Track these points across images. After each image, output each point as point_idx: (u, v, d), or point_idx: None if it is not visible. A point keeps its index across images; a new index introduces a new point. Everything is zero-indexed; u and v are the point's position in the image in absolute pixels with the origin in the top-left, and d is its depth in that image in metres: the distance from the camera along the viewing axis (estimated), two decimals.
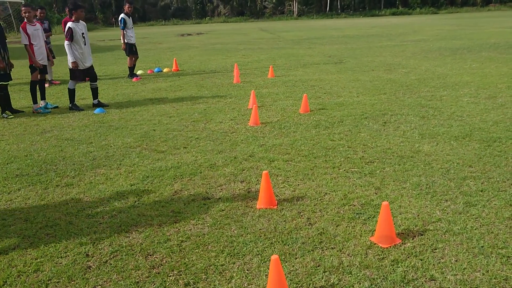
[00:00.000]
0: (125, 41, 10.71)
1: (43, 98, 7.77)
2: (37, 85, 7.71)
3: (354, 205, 3.56)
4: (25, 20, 7.45)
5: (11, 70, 7.26)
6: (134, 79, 10.78)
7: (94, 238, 3.20)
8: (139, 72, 12.02)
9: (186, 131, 5.96)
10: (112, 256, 2.95)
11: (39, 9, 9.94)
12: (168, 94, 8.75)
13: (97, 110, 7.35)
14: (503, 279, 2.54)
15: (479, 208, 3.41)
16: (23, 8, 7.50)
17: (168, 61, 14.28)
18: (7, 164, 4.91)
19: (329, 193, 3.81)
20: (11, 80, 7.53)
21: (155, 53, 17.97)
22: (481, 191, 3.71)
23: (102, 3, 70.74)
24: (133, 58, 10.98)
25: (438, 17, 48.15)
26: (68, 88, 7.62)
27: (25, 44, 7.45)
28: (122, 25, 10.57)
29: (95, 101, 7.82)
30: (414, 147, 4.93)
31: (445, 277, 2.58)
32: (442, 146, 4.92)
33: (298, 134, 5.62)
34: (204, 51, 18.30)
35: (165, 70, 12.42)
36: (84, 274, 2.76)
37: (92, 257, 2.95)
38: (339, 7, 74.62)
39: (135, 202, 3.80)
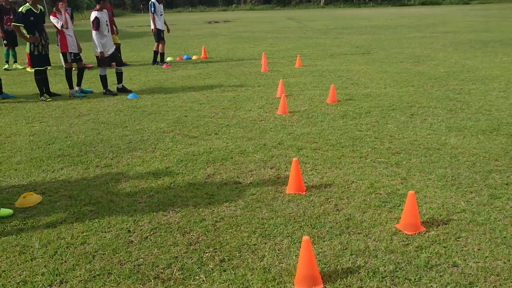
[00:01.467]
0: (156, 25, 10.97)
1: (78, 84, 8.05)
2: (75, 72, 7.96)
3: (381, 194, 3.69)
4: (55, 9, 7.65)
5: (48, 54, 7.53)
6: (164, 66, 11.02)
7: (134, 215, 3.43)
8: (168, 59, 12.26)
9: (216, 118, 6.15)
10: (152, 232, 3.18)
11: None
12: (198, 82, 8.96)
13: (130, 96, 7.61)
14: None
15: (504, 200, 3.50)
16: (59, 2, 7.64)
17: (196, 49, 14.47)
18: (49, 144, 5.20)
19: (356, 182, 3.95)
20: (49, 65, 7.83)
21: (183, 40, 18.20)
22: (506, 184, 3.79)
23: None
24: (161, 44, 11.23)
25: (469, 8, 46.90)
26: (100, 75, 7.90)
27: (60, 27, 7.55)
28: (152, 9, 10.82)
29: (119, 86, 8.09)
30: (440, 139, 5.00)
31: (467, 264, 2.71)
32: (469, 139, 4.98)
33: (325, 123, 5.75)
34: (231, 39, 18.43)
35: (194, 57, 12.63)
36: (127, 248, 2.99)
37: (134, 232, 3.18)
38: None
39: (171, 184, 4.01)
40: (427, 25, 22.96)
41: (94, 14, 7.50)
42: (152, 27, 11.07)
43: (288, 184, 3.82)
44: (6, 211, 3.48)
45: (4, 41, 11.11)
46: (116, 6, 59.27)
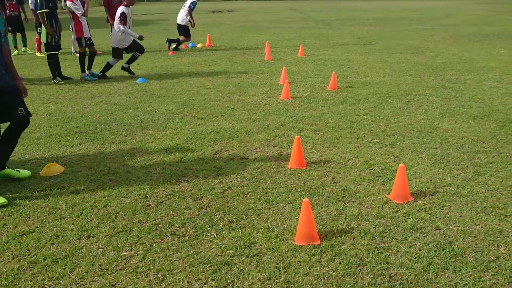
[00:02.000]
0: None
1: (89, 68, 8.35)
2: (86, 57, 8.28)
3: (375, 170, 4.03)
4: None
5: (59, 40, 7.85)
6: (170, 53, 11.31)
7: (150, 184, 3.77)
8: (174, 47, 12.53)
9: (222, 102, 6.47)
10: (167, 198, 3.52)
11: None
12: (204, 68, 9.26)
13: (139, 80, 7.92)
14: (498, 231, 3.00)
15: (487, 177, 3.84)
16: None
17: (201, 37, 14.74)
18: (66, 123, 5.53)
19: (352, 159, 4.29)
20: (61, 49, 8.14)
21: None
22: (491, 163, 4.13)
23: None
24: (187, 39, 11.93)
25: (474, 2, 46.92)
26: (108, 62, 8.22)
27: (80, 15, 7.87)
28: (193, 6, 11.69)
29: (125, 65, 8.46)
30: (433, 124, 5.33)
31: (449, 227, 3.05)
32: (460, 124, 5.31)
33: (326, 108, 6.07)
34: (235, 28, 18.67)
35: (199, 45, 12.92)
36: (145, 210, 3.33)
37: (150, 198, 3.53)
38: None
39: (182, 158, 4.35)
40: (429, 18, 23.16)
41: (121, 9, 7.87)
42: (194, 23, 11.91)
43: (290, 160, 4.16)
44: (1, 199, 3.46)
45: (9, 27, 11.34)
46: None
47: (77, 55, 11.03)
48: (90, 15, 10.51)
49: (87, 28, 7.99)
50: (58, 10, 7.84)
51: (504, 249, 2.79)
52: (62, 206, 3.40)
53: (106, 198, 3.53)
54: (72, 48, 11.19)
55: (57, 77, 7.92)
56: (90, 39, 8.03)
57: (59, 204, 3.44)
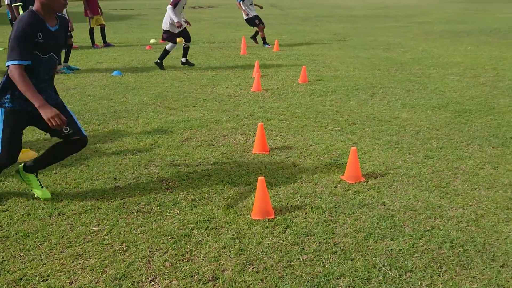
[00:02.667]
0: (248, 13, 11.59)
1: (66, 61, 8.46)
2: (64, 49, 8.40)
3: (333, 154, 4.31)
4: None
5: None
6: (147, 47, 11.44)
7: (119, 168, 3.98)
8: (152, 41, 12.67)
9: (195, 93, 6.69)
10: (134, 180, 3.74)
11: None
12: (179, 62, 9.43)
13: (114, 73, 8.07)
14: (438, 206, 3.29)
15: (435, 160, 4.15)
16: None
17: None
18: None
19: (313, 145, 4.56)
20: None
21: None
22: (441, 148, 4.44)
23: None
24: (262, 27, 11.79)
25: (450, 0, 47.92)
26: (165, 49, 8.51)
27: None
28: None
29: (183, 60, 8.84)
30: (394, 114, 5.64)
31: (393, 203, 3.34)
32: (419, 114, 5.62)
33: (294, 99, 6.33)
34: (214, 24, 18.83)
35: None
36: (114, 190, 3.54)
37: (119, 180, 3.74)
38: None
39: (152, 145, 4.56)
40: (405, 15, 23.66)
41: None
42: (245, 16, 11.65)
43: (254, 145, 4.41)
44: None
45: None
46: None
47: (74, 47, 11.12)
48: (68, 9, 10.57)
49: (70, 22, 8.17)
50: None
51: (440, 221, 3.09)
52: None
53: (77, 181, 3.72)
54: None
55: None
56: (69, 32, 8.18)
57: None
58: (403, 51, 10.80)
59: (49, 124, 2.92)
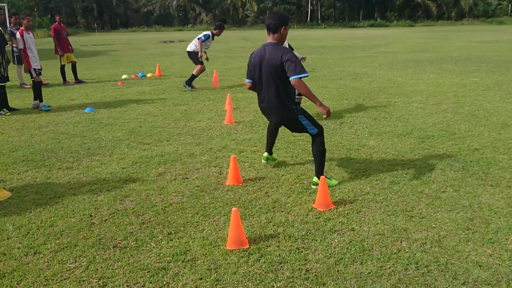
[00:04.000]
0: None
1: (41, 100, 8.47)
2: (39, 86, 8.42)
3: (304, 183, 4.47)
4: (23, 28, 8.22)
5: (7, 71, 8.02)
6: (119, 83, 11.54)
7: (95, 204, 4.02)
8: (123, 77, 12.79)
9: (168, 128, 6.80)
10: (110, 216, 3.79)
11: (27, 17, 10.28)
12: (152, 97, 9.57)
13: (87, 109, 8.13)
14: (403, 230, 3.47)
15: (401, 185, 4.36)
16: (27, 17, 8.29)
17: (152, 67, 15.06)
18: (13, 152, 5.67)
19: (285, 175, 4.71)
20: (9, 81, 8.27)
21: (138, 59, 18.73)
22: (406, 174, 4.66)
23: (84, 8, 70.99)
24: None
25: (414, 30, 50.02)
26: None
27: (20, 49, 8.21)
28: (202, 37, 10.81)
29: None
30: (362, 142, 5.88)
31: (362, 228, 3.49)
32: (385, 141, 5.88)
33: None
34: (186, 57, 18.95)
35: (148, 75, 13.22)
36: (90, 228, 3.58)
37: (95, 216, 3.78)
38: (319, 17, 76.49)
39: (126, 180, 4.63)
40: (371, 45, 24.60)
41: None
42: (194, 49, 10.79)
43: (227, 177, 4.53)
44: None
45: None
46: (70, 25, 58.74)
47: (26, 86, 11.09)
48: (39, 46, 10.64)
49: (37, 59, 8.29)
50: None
51: (406, 244, 3.25)
52: (9, 227, 3.59)
53: (52, 219, 3.75)
54: (19, 79, 11.23)
55: (4, 109, 7.99)
56: (40, 69, 8.28)
57: (6, 226, 3.62)
58: (370, 81, 11.24)
59: None
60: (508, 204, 3.91)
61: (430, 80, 11.12)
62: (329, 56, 18.73)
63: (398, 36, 34.93)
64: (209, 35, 10.76)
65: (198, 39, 10.87)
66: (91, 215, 3.81)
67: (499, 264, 2.98)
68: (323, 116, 4.09)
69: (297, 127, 4.38)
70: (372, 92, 9.63)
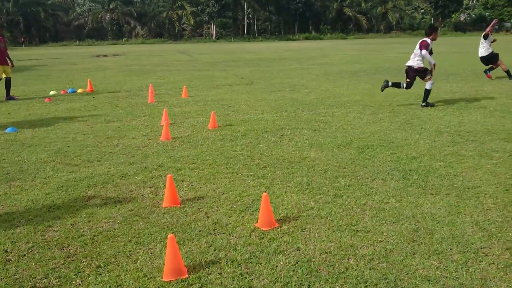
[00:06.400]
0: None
1: None
2: None
3: (245, 201, 4.24)
4: None
5: None
6: (46, 100, 10.81)
7: (12, 237, 3.56)
8: (51, 93, 12.02)
9: (100, 147, 6.34)
10: (29, 250, 3.35)
11: None
12: (83, 114, 9.00)
13: (8, 130, 7.45)
14: (350, 246, 3.33)
15: (344, 198, 4.25)
16: None
17: (83, 82, 14.32)
18: None
19: (226, 193, 4.47)
20: None
21: (68, 74, 17.81)
22: (348, 186, 4.58)
23: (9, 21, 67.17)
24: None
25: (346, 42, 51.93)
26: (426, 89, 8.87)
27: None
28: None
29: (423, 104, 9.02)
30: (303, 154, 5.77)
31: (308, 247, 3.32)
32: (326, 153, 5.81)
33: (205, 146, 6.26)
34: (120, 72, 18.45)
35: (79, 90, 12.52)
36: (5, 266, 3.14)
37: (11, 252, 3.33)
38: (256, 31, 77.51)
39: (50, 207, 4.17)
40: (307, 57, 25.10)
41: (428, 40, 8.70)
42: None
43: (164, 199, 4.21)
44: None
45: None
46: None
47: None
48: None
49: None
50: None
51: (353, 261, 3.11)
52: None
53: None
54: None
55: None
56: None
57: None
58: (308, 92, 11.32)
59: None
60: (449, 212, 3.91)
61: (365, 91, 11.38)
62: (267, 68, 18.82)
63: (333, 48, 36.02)
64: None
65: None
66: (6, 251, 3.35)
67: (446, 277, 2.91)
68: None
69: None
70: (310, 103, 9.66)
